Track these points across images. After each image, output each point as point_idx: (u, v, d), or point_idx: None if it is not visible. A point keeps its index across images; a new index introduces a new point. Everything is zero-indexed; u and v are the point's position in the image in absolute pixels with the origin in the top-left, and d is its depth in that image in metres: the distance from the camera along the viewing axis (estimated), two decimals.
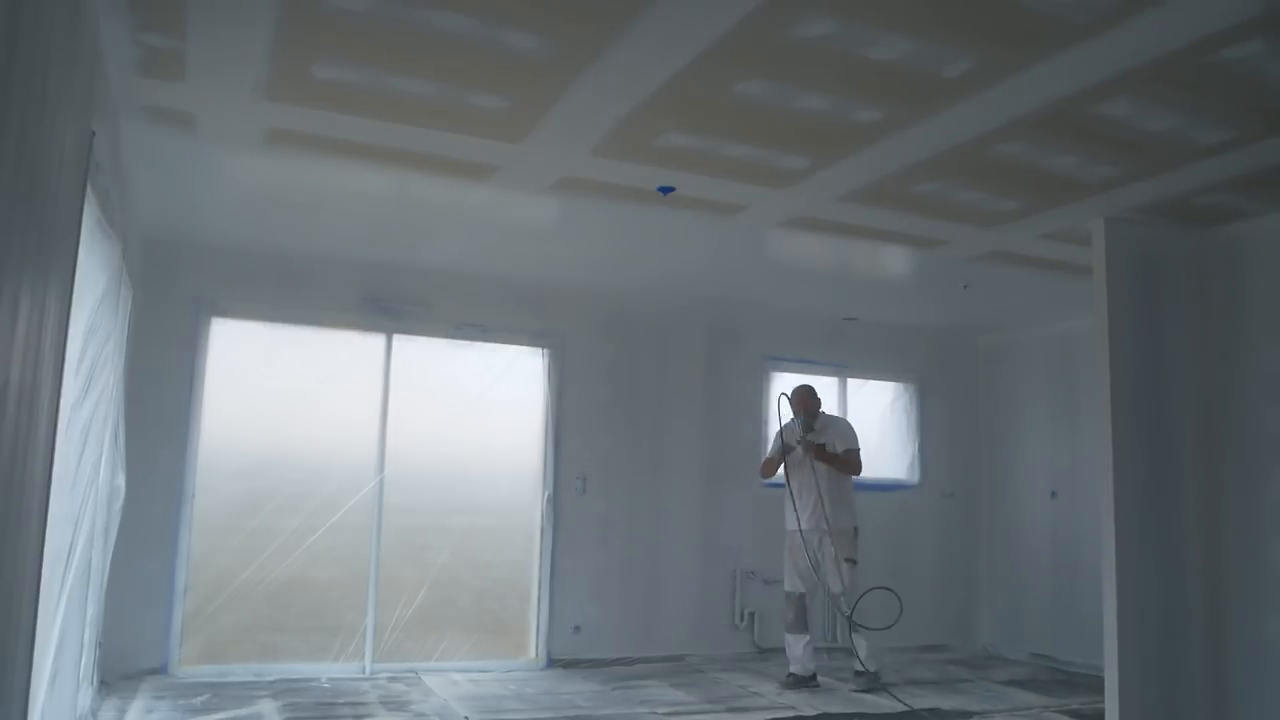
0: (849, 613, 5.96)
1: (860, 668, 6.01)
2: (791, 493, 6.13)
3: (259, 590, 5.86)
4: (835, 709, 5.47)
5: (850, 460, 6.20)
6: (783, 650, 6.22)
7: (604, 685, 5.95)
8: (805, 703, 5.59)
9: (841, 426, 6.37)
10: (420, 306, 6.42)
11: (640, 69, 3.28)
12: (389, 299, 6.35)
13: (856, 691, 5.92)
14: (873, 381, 7.92)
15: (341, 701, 5.25)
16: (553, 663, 6.49)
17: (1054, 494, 7.37)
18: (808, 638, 6.08)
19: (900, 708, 5.53)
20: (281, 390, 6.09)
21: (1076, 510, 7.07)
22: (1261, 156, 3.94)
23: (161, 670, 5.59)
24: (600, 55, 3.18)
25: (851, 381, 7.85)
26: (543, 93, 3.49)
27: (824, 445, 6.12)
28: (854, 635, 6.04)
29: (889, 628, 5.99)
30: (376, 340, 6.34)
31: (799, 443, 6.12)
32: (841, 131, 3.79)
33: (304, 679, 5.71)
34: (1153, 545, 4.61)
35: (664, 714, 5.25)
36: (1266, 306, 4.64)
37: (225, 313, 6.00)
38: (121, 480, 4.85)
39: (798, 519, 6.11)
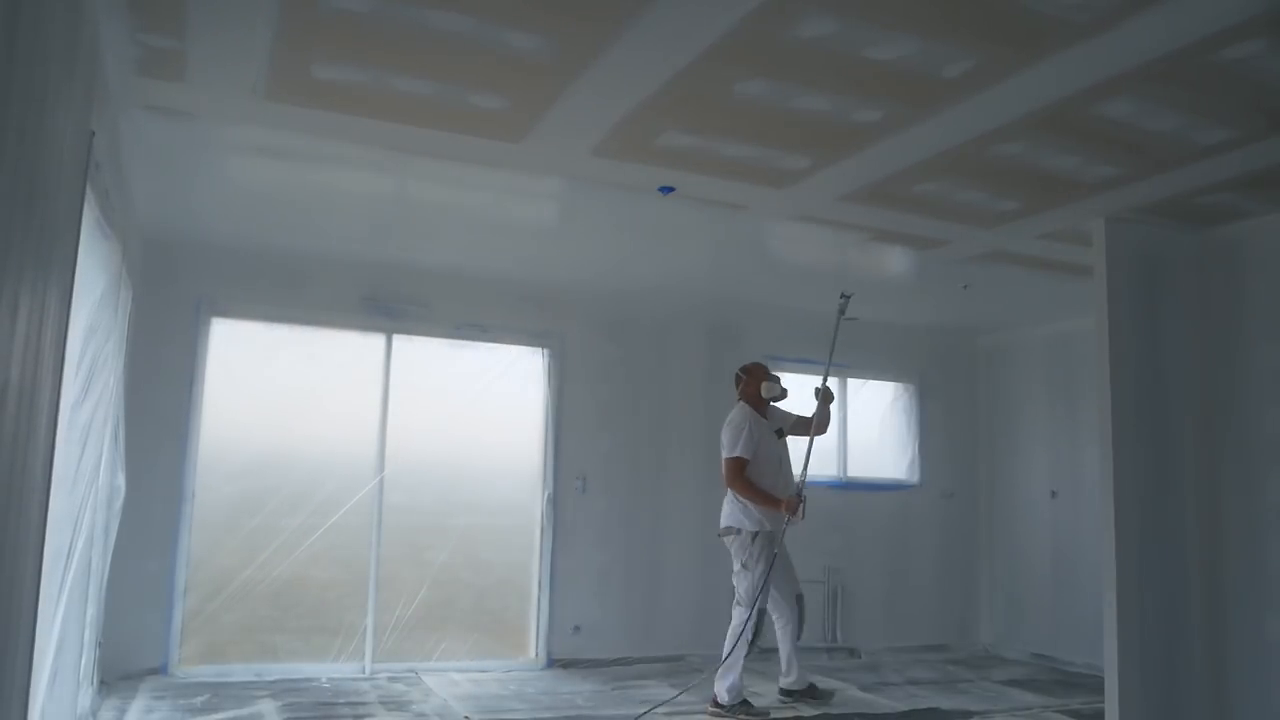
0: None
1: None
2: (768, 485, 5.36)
3: (259, 590, 5.85)
4: (835, 709, 5.46)
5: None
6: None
7: (604, 685, 5.96)
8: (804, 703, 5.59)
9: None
10: (420, 306, 6.42)
11: (640, 69, 3.28)
12: (389, 299, 6.35)
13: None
14: (873, 381, 7.93)
15: (341, 701, 5.25)
16: (553, 663, 6.49)
17: (1054, 494, 7.36)
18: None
19: (891, 708, 5.53)
20: (281, 390, 6.09)
21: (1076, 510, 7.07)
22: (1261, 156, 3.93)
23: (161, 670, 5.59)
24: (600, 55, 3.18)
25: (851, 381, 7.84)
26: (543, 93, 3.49)
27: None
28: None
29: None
30: (376, 340, 6.34)
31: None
32: (841, 131, 3.79)
33: (304, 679, 5.71)
34: (1153, 545, 4.61)
35: (664, 714, 5.25)
36: (1266, 306, 4.64)
37: (225, 313, 6.00)
38: (121, 480, 4.85)
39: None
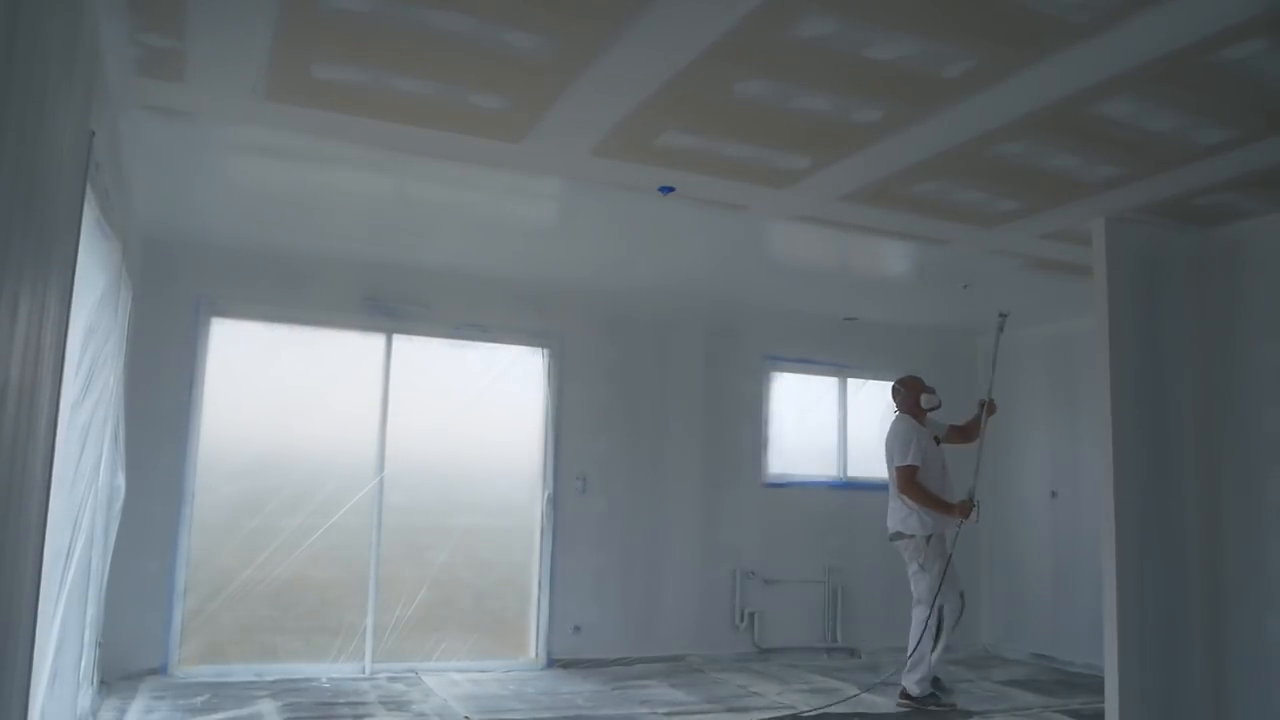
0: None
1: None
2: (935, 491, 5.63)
3: (259, 590, 5.86)
4: (835, 709, 5.46)
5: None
6: (783, 650, 6.20)
7: (604, 685, 5.96)
8: (805, 703, 5.59)
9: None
10: (420, 306, 6.42)
11: (640, 69, 3.28)
12: (389, 299, 6.35)
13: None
14: (873, 381, 7.92)
15: (341, 701, 5.25)
16: (553, 663, 6.49)
17: (1054, 494, 7.36)
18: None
19: (892, 708, 5.53)
20: (281, 390, 6.09)
21: (1076, 510, 7.06)
22: (1261, 156, 3.93)
23: (161, 670, 5.59)
24: (600, 55, 3.18)
25: (851, 381, 7.84)
26: (543, 93, 3.49)
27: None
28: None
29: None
30: (376, 340, 6.34)
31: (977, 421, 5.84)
32: (841, 131, 3.79)
33: (304, 679, 5.72)
34: (1153, 545, 4.61)
35: (664, 714, 5.25)
36: (1266, 306, 4.64)
37: (225, 312, 6.01)
38: (121, 480, 4.85)
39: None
